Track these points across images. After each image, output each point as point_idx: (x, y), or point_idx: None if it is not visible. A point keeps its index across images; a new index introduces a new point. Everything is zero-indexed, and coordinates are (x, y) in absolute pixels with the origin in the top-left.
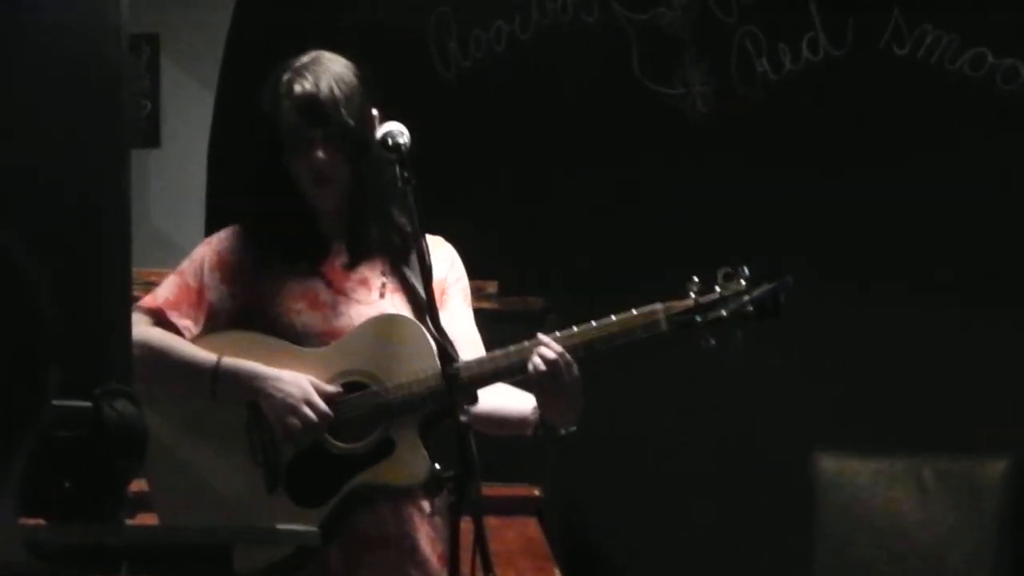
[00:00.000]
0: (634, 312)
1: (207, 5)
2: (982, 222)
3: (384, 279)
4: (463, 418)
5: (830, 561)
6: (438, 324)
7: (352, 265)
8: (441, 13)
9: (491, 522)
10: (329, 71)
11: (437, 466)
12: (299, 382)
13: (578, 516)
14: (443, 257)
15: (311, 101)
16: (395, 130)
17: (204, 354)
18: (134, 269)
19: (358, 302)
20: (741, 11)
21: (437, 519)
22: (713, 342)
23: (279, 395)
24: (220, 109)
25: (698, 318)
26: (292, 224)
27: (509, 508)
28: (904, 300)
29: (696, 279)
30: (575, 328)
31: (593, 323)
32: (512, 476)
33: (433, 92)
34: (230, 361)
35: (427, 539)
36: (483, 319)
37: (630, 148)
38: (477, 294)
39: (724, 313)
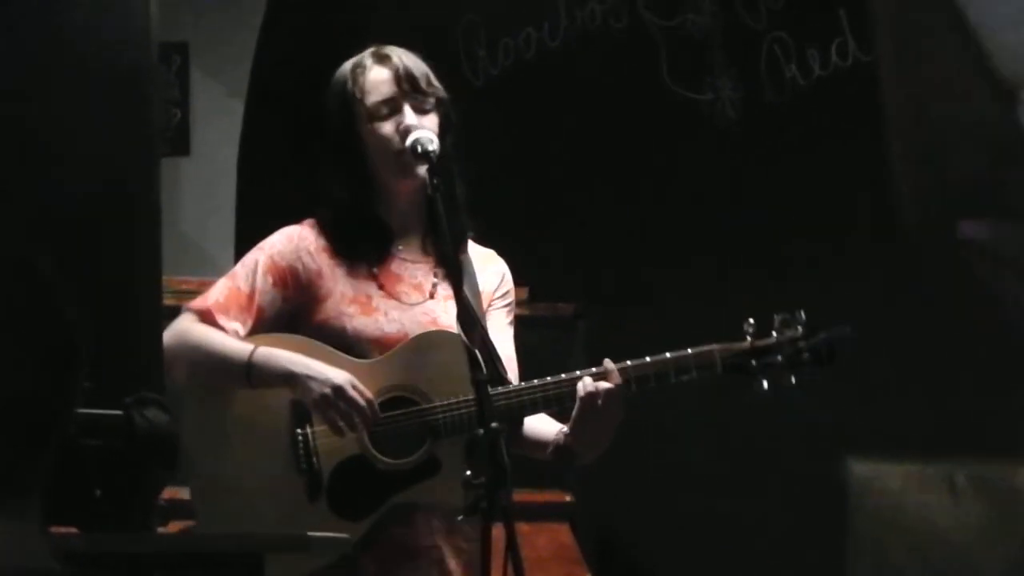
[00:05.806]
0: (689, 351)
1: (236, 14)
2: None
3: (435, 280)
4: (494, 424)
5: (863, 566)
6: (470, 333)
7: (412, 262)
8: (470, 20)
9: (522, 528)
10: (407, 52)
11: (468, 472)
12: (338, 369)
13: (610, 522)
14: (494, 272)
15: (402, 69)
16: (424, 138)
17: (240, 344)
18: (164, 277)
19: (410, 305)
20: (770, 17)
21: (467, 529)
22: (765, 385)
23: (320, 378)
24: (249, 117)
25: (753, 362)
26: (360, 217)
27: (541, 514)
28: (936, 302)
29: (752, 321)
30: (628, 362)
31: (647, 359)
32: (543, 482)
33: (462, 99)
34: (265, 349)
35: (452, 551)
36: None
37: (659, 154)
38: None
39: (779, 358)
